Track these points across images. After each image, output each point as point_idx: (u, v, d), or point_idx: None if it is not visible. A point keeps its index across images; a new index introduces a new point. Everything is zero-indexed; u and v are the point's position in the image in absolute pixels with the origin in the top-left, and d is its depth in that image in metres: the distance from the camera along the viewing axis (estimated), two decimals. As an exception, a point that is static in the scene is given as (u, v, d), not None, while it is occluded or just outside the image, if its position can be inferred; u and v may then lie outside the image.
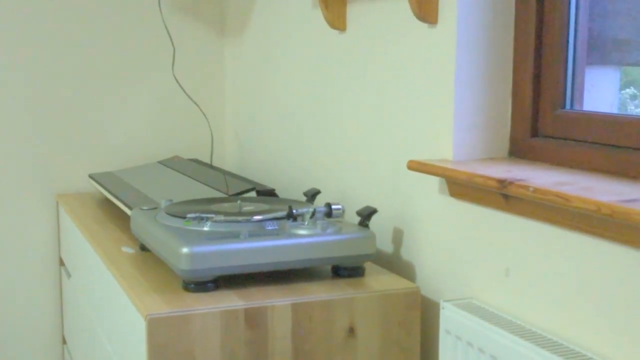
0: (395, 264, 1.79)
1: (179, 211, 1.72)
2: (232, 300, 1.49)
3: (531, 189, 1.25)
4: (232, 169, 2.77)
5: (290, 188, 2.30)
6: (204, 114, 2.69)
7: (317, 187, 2.14)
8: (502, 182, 1.32)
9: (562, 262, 1.31)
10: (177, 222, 1.66)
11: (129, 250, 1.86)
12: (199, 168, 2.46)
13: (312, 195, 1.91)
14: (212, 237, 1.56)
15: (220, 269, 1.53)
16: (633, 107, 1.50)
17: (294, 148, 2.29)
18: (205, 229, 1.62)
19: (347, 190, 1.99)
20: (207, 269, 1.52)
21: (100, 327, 1.96)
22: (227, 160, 2.83)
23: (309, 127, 2.18)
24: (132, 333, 1.54)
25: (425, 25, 1.62)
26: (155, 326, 1.42)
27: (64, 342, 2.68)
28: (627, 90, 1.51)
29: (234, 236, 1.57)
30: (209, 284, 1.54)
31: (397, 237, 1.78)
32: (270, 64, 2.44)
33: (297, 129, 2.26)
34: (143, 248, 1.85)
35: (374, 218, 1.79)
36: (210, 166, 2.54)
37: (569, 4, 1.48)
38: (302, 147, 2.23)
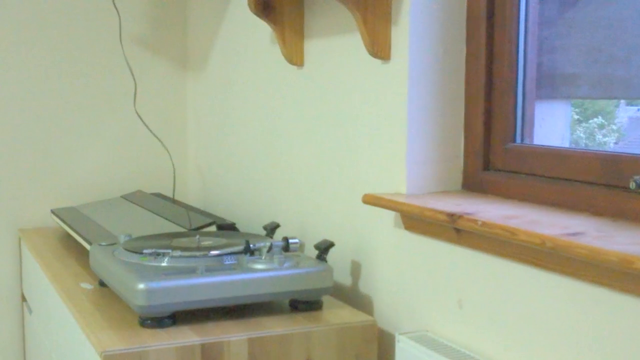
0: (352, 297, 1.80)
1: (136, 247, 1.73)
2: (188, 336, 1.49)
3: (479, 222, 1.27)
4: (195, 203, 2.77)
5: (252, 222, 2.31)
6: (166, 149, 2.70)
7: (278, 220, 2.15)
8: (451, 216, 1.34)
9: (511, 294, 1.33)
10: (135, 258, 1.66)
11: (87, 286, 1.85)
12: (161, 202, 2.46)
13: (271, 229, 1.92)
14: (168, 272, 1.56)
15: (176, 305, 1.53)
16: (601, 137, 1.52)
17: (255, 181, 2.30)
18: (163, 264, 1.62)
19: (306, 224, 2.00)
20: (163, 304, 1.52)
21: (59, 364, 1.95)
22: (190, 194, 2.83)
23: (269, 160, 2.20)
24: (88, 370, 1.54)
25: (379, 61, 1.65)
26: (110, 363, 1.41)
27: (26, 379, 2.65)
28: (595, 119, 1.53)
29: (191, 271, 1.57)
30: (165, 320, 1.54)
31: (355, 270, 1.79)
32: (231, 98, 2.46)
33: (258, 163, 2.27)
34: (102, 284, 1.84)
35: (332, 251, 1.80)
36: (173, 200, 2.54)
37: (518, 39, 1.51)
38: (262, 180, 2.25)
